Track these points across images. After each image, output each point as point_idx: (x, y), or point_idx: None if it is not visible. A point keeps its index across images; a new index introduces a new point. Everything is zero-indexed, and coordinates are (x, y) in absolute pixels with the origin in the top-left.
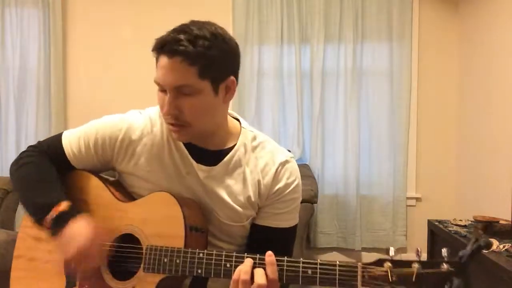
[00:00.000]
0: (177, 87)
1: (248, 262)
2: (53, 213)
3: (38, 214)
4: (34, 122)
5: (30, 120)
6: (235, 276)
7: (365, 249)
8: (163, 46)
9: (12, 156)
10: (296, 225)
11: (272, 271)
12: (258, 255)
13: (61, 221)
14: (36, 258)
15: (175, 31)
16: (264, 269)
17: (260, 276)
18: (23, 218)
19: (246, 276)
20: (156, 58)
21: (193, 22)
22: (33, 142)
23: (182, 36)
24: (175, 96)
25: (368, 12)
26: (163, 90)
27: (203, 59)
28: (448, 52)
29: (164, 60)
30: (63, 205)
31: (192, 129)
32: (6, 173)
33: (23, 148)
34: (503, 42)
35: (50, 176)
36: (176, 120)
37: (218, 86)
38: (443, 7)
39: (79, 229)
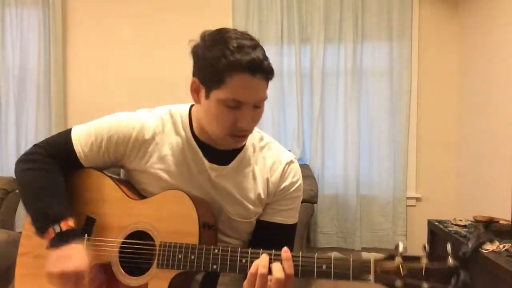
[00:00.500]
0: (258, 102)
1: (265, 257)
2: (58, 227)
3: (39, 223)
4: (34, 122)
5: (30, 120)
6: (252, 269)
7: (365, 249)
8: (247, 67)
9: (12, 156)
10: (296, 224)
11: (289, 266)
12: (273, 250)
13: (64, 237)
14: (42, 256)
15: (245, 48)
16: (281, 264)
17: (278, 270)
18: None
19: (264, 270)
20: (224, 76)
21: (234, 32)
22: (33, 142)
23: (260, 55)
24: (252, 109)
25: (368, 12)
26: (234, 105)
27: (272, 70)
28: (448, 52)
29: (246, 78)
30: (69, 223)
31: (251, 133)
32: (6, 173)
33: (23, 148)
34: (503, 42)
35: (56, 186)
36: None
37: None
38: (443, 7)
39: (77, 254)
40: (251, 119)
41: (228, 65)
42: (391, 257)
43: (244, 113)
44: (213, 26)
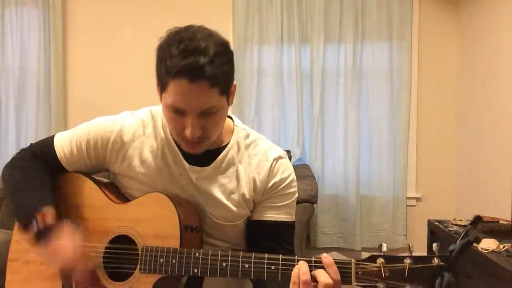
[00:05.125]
0: (203, 110)
1: (304, 263)
2: (39, 221)
3: (23, 218)
4: (34, 122)
5: (30, 120)
6: (293, 279)
7: (365, 249)
8: (184, 72)
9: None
10: (294, 222)
11: (334, 272)
12: (295, 256)
13: (47, 231)
14: (32, 261)
15: (189, 52)
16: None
17: (324, 276)
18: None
19: (307, 276)
20: (167, 81)
21: (193, 33)
22: (33, 142)
23: (202, 60)
24: (198, 118)
25: (368, 12)
26: (179, 112)
27: (223, 77)
28: (448, 52)
29: (183, 84)
30: (49, 214)
31: (209, 140)
32: None
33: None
34: (503, 42)
35: (39, 181)
36: (198, 138)
37: (229, 95)
38: (443, 7)
39: (64, 241)
40: (198, 127)
41: (167, 70)
42: (373, 258)
43: (188, 121)
44: (213, 26)
